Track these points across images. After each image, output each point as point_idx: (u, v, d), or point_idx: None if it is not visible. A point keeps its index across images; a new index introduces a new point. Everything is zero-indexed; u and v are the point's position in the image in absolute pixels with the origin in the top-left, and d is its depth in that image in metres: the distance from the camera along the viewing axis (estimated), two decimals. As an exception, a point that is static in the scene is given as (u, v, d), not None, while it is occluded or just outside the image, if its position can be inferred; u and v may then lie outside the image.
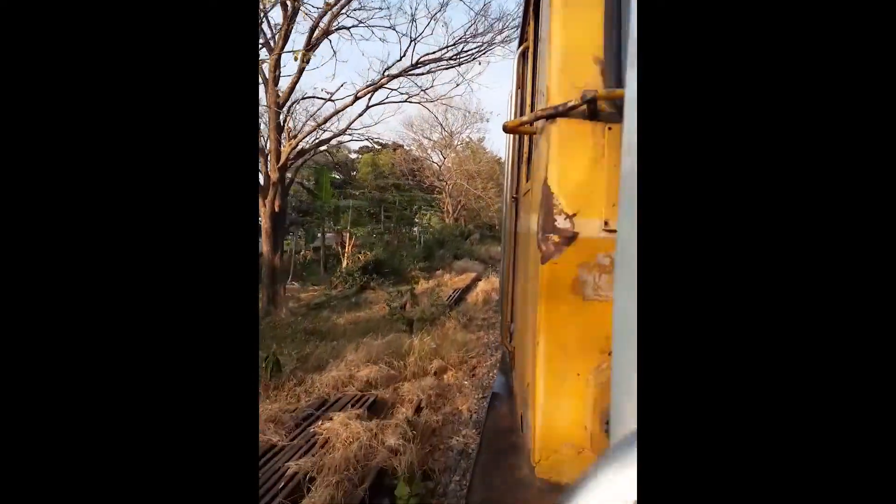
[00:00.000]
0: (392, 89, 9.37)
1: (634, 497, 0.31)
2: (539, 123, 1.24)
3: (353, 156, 34.48)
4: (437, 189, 27.50)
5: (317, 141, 9.30)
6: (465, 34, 9.50)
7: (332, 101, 8.82)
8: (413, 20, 11.24)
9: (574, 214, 1.06)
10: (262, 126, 8.26)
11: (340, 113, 8.96)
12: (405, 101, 9.96)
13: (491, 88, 50.94)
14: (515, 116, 2.24)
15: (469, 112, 28.03)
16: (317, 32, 7.76)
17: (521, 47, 2.22)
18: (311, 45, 7.69)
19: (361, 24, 8.30)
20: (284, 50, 7.40)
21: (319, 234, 15.34)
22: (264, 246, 8.03)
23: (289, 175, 9.18)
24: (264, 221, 7.94)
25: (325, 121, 8.99)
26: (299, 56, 7.25)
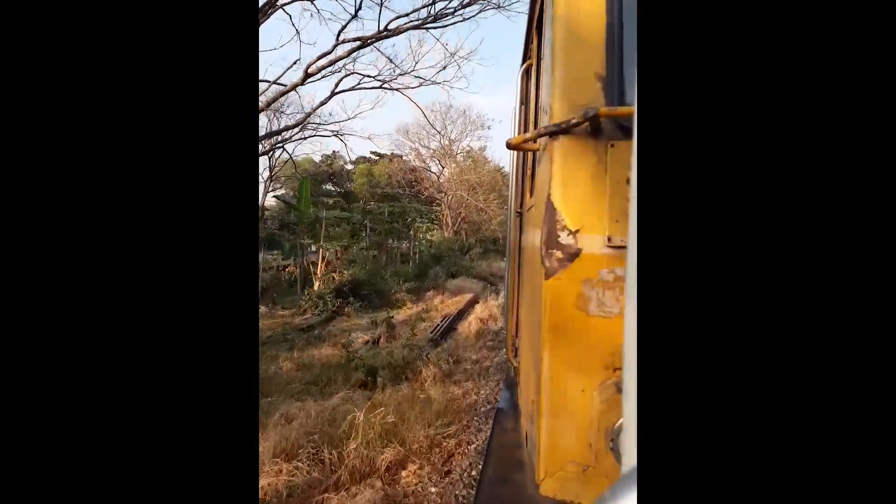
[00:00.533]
0: (364, 75, 7.74)
1: None
2: (542, 140, 1.27)
3: (350, 167, 33.12)
4: (436, 201, 25.85)
5: (270, 131, 7.59)
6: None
7: (280, 84, 7.16)
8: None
9: (577, 231, 1.07)
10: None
11: (285, 97, 7.23)
12: (380, 86, 8.28)
13: (491, 97, 49.62)
14: (519, 133, 2.23)
15: (469, 118, 26.64)
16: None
17: (525, 64, 2.21)
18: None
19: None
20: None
21: (305, 249, 13.60)
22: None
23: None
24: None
25: (268, 105, 7.30)
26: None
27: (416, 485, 3.15)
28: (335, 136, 10.57)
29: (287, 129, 8.06)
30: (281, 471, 3.03)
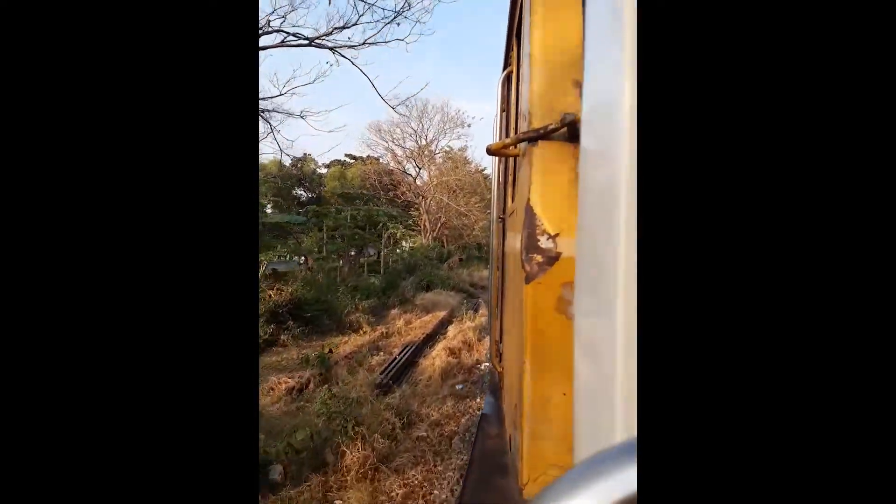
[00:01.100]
0: (288, 32, 5.82)
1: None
2: (522, 146, 1.27)
3: (323, 171, 30.97)
4: (413, 205, 23.88)
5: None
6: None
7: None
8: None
9: (557, 234, 1.08)
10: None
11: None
12: (308, 44, 6.33)
13: (473, 101, 48.04)
14: (500, 139, 2.28)
15: (447, 115, 24.78)
16: None
17: (506, 72, 2.22)
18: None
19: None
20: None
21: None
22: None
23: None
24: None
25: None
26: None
27: None
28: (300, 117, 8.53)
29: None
30: None
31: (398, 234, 17.36)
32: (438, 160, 25.63)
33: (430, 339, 7.77)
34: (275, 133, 8.48)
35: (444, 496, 3.11)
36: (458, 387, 5.48)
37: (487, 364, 6.20)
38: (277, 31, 5.66)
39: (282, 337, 7.37)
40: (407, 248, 18.87)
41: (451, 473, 3.39)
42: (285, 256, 13.94)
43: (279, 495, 2.95)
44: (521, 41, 1.54)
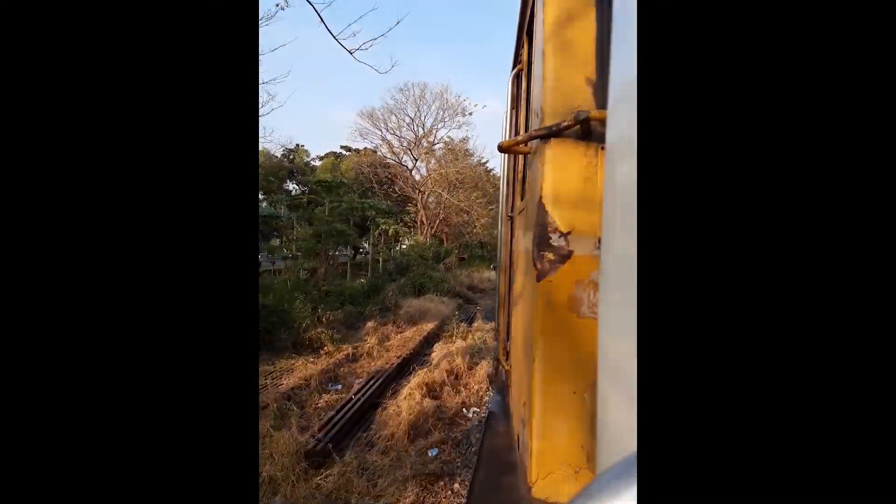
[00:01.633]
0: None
1: None
2: (533, 143, 1.27)
3: (317, 163, 29.17)
4: (411, 200, 22.11)
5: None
6: None
7: None
8: None
9: (569, 233, 1.06)
10: None
11: None
12: None
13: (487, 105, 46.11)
14: (510, 137, 2.25)
15: (446, 102, 22.86)
16: None
17: (516, 69, 2.19)
18: None
19: None
20: None
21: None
22: None
23: None
24: None
25: None
26: None
27: None
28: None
29: None
30: None
31: (390, 230, 15.58)
32: (438, 152, 23.78)
33: (407, 365, 6.03)
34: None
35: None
36: (432, 452, 3.74)
37: (476, 409, 4.47)
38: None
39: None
40: (399, 247, 17.11)
41: None
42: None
43: None
44: (532, 39, 1.57)
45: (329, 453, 3.53)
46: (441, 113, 22.59)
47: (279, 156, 26.92)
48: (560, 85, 1.09)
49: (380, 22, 21.63)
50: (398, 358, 6.05)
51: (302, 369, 5.56)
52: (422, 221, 21.03)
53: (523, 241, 1.43)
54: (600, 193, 0.94)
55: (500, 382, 2.59)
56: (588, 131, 1.02)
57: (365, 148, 25.35)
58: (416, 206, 21.26)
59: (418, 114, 22.37)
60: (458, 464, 3.59)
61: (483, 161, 23.63)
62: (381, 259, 15.80)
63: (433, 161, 23.16)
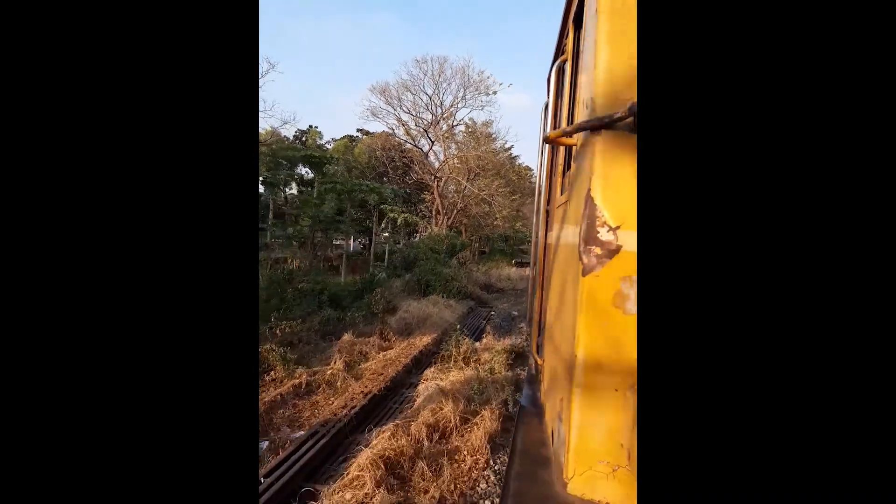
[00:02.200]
0: None
1: None
2: (581, 135, 1.26)
3: (330, 146, 27.59)
4: (427, 187, 20.29)
5: None
6: None
7: None
8: None
9: (618, 227, 1.04)
10: None
11: None
12: None
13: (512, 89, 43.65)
14: (552, 129, 2.23)
15: (469, 79, 20.74)
16: None
17: (559, 60, 2.12)
18: None
19: None
20: None
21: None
22: None
23: None
24: None
25: None
26: None
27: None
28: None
29: None
30: None
31: (398, 219, 13.82)
32: (458, 137, 21.79)
33: (379, 404, 4.22)
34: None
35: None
36: None
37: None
38: None
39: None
40: (415, 238, 15.33)
41: None
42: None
43: None
44: (579, 29, 1.57)
45: None
46: (462, 91, 20.47)
47: (291, 137, 25.42)
48: (613, 76, 1.08)
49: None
50: (364, 396, 4.25)
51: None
52: (438, 211, 19.21)
53: (565, 235, 1.45)
54: None
55: (529, 374, 2.56)
56: None
57: (383, 131, 23.63)
58: (433, 193, 19.44)
59: (437, 91, 20.34)
60: None
61: (507, 147, 21.52)
62: (386, 251, 14.07)
63: (453, 146, 21.24)
